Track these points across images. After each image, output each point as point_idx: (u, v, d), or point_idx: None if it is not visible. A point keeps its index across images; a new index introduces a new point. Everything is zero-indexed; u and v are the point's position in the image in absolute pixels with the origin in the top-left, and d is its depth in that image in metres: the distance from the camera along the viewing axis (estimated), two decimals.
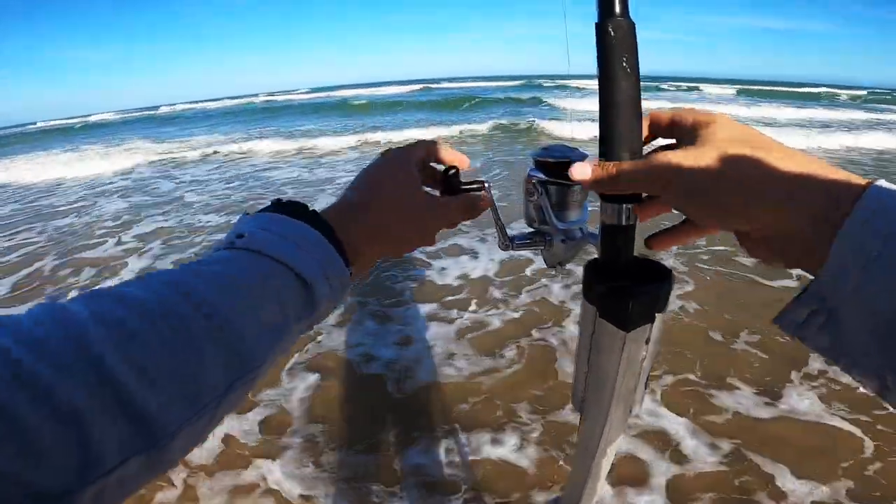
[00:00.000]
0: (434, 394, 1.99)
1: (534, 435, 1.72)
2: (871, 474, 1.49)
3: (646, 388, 0.45)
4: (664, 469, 1.54)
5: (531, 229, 0.48)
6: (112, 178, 6.95)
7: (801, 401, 1.79)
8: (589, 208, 0.48)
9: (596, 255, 0.41)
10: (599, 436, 0.48)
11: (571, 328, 2.29)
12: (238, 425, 1.83)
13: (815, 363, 1.95)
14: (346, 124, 11.16)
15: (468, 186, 0.44)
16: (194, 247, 3.67)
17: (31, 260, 3.63)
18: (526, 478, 1.56)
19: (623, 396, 0.44)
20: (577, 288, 2.67)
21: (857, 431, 1.65)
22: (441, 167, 0.45)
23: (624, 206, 0.36)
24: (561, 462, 1.61)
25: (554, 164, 0.44)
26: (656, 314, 0.37)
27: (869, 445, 1.59)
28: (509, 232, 0.48)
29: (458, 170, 0.44)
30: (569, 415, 1.80)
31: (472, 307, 2.56)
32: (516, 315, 2.45)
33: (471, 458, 1.65)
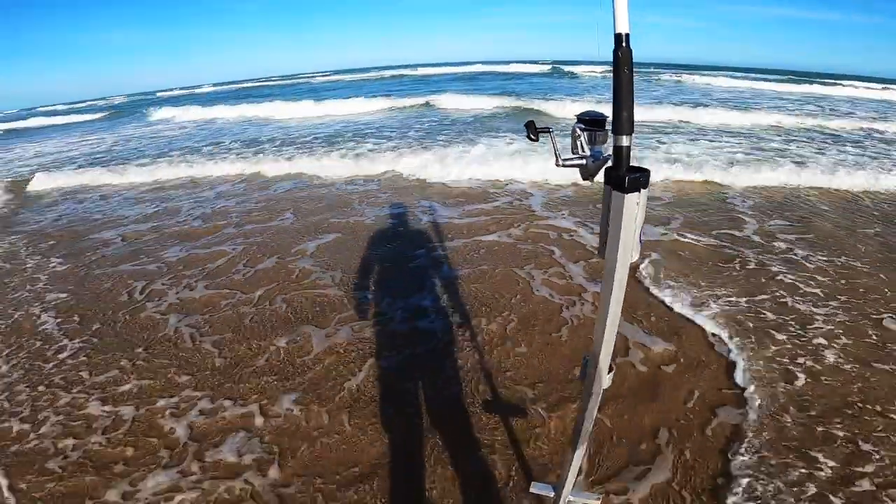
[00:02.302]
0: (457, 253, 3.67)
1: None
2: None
3: (640, 242, 0.82)
4: None
5: (574, 155, 0.86)
6: None
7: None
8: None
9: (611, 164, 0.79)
10: (612, 279, 0.85)
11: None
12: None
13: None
14: None
15: (541, 130, 0.83)
16: None
17: None
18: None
19: (627, 245, 0.81)
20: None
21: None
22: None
23: (624, 136, 0.74)
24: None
25: (590, 120, 0.82)
26: (641, 189, 0.75)
27: None
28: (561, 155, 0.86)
29: (533, 122, 0.83)
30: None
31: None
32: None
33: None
